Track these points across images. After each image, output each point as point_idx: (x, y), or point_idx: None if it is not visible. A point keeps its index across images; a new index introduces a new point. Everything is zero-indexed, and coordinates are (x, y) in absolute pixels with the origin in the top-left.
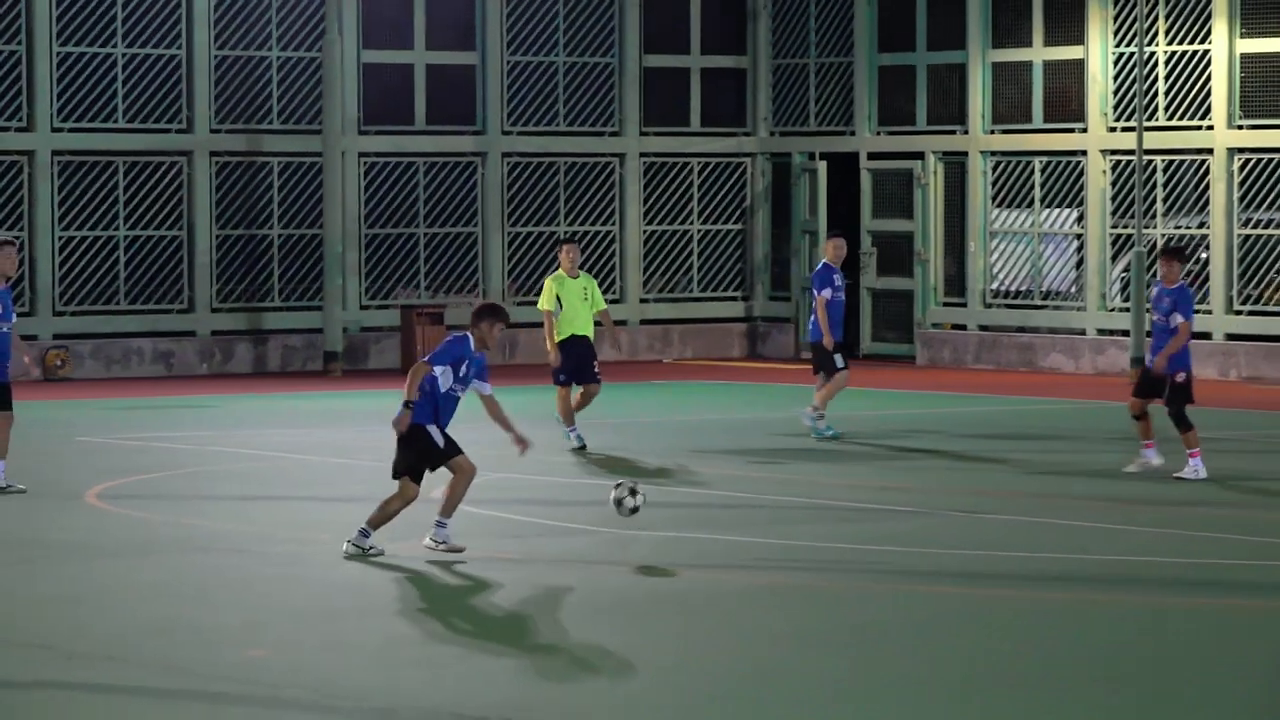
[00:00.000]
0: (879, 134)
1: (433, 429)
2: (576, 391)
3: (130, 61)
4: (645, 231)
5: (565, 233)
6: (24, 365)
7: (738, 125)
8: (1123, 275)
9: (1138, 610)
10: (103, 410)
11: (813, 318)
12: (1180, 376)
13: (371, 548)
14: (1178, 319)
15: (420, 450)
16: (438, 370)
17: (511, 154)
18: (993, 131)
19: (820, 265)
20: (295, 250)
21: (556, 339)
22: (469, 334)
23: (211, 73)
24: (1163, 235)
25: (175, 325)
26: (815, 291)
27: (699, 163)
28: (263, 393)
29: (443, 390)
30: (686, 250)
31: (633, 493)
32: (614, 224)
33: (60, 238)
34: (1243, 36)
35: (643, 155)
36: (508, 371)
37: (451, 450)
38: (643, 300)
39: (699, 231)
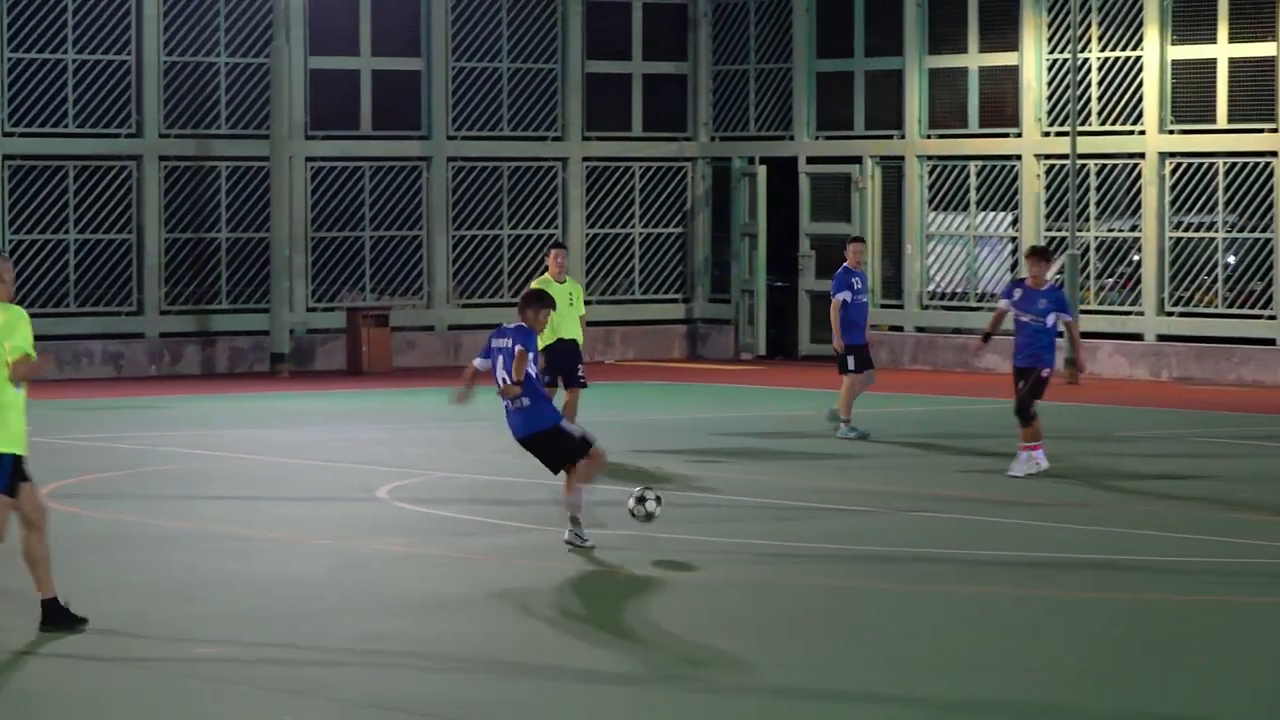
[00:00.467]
0: (817, 139)
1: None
2: (562, 395)
3: (80, 67)
4: (587, 235)
5: (511, 236)
6: None
7: (679, 130)
8: (1056, 278)
9: (1071, 602)
10: (54, 411)
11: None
12: (1045, 372)
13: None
14: (1063, 318)
15: (566, 445)
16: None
17: (456, 159)
18: (929, 136)
19: (840, 269)
20: (243, 253)
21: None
22: (522, 323)
23: (160, 78)
24: (1095, 238)
25: (125, 327)
26: (832, 294)
27: (640, 167)
28: (211, 394)
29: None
30: (628, 253)
31: (643, 500)
32: (556, 227)
33: (11, 241)
34: (1174, 43)
35: (585, 160)
36: (459, 374)
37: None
38: (585, 302)
39: (640, 235)
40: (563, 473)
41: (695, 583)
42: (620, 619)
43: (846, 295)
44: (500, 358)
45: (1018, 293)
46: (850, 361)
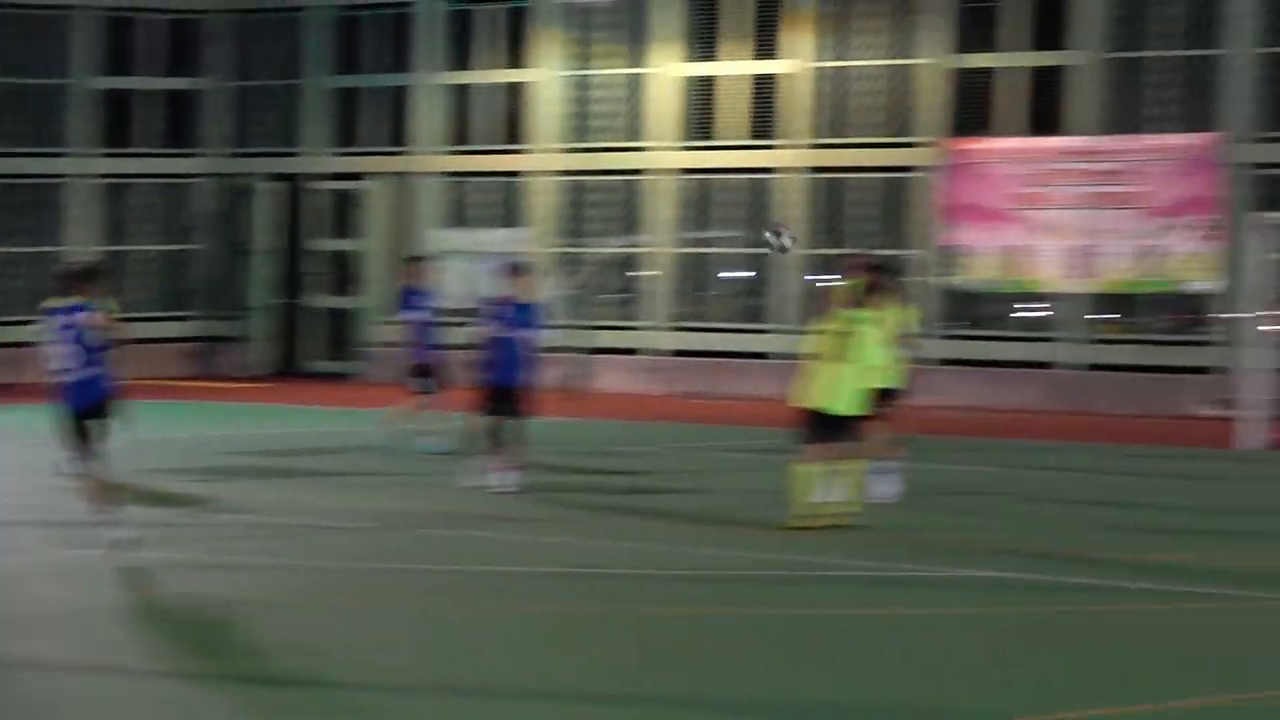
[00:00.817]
0: (327, 155)
1: None
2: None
3: None
4: (99, 251)
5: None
6: None
7: (190, 147)
8: (567, 293)
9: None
10: None
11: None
12: (523, 388)
13: None
14: (535, 334)
15: None
16: None
17: None
18: (439, 153)
19: (403, 288)
20: None
21: None
22: None
23: None
24: (604, 254)
25: None
26: (399, 313)
27: (150, 184)
28: None
29: None
30: (139, 270)
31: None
32: (64, 245)
33: None
34: (683, 60)
35: (100, 176)
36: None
37: None
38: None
39: (150, 252)
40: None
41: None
42: (130, 638)
43: (410, 314)
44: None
45: (495, 306)
46: (418, 379)
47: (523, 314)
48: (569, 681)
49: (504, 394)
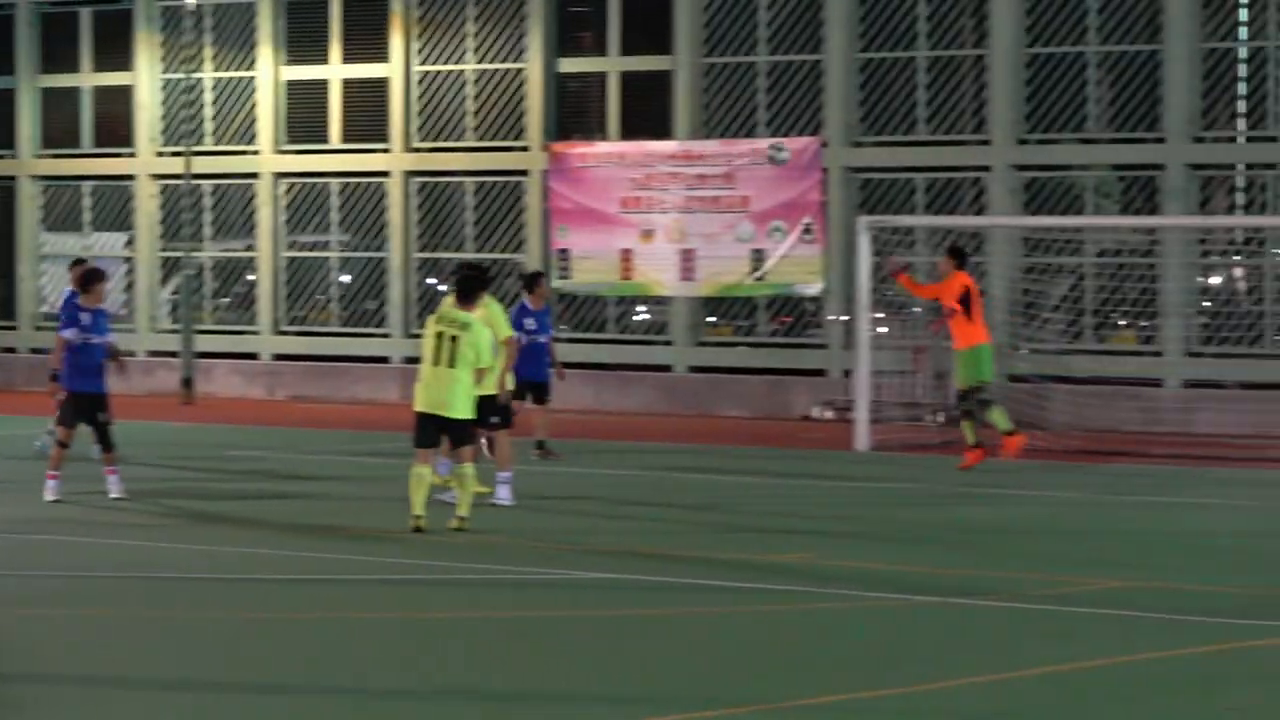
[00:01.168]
0: None
1: None
2: None
3: None
4: None
5: None
6: None
7: None
8: (172, 297)
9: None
10: None
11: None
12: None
13: None
14: (108, 339)
15: None
16: None
17: None
18: (41, 156)
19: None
20: None
21: None
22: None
23: None
24: (211, 258)
25: None
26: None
27: None
28: None
29: None
30: None
31: None
32: None
33: None
34: (287, 64)
35: None
36: None
37: None
38: None
39: None
40: None
41: None
42: None
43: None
44: None
45: (73, 315)
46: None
47: (99, 320)
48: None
49: (86, 400)
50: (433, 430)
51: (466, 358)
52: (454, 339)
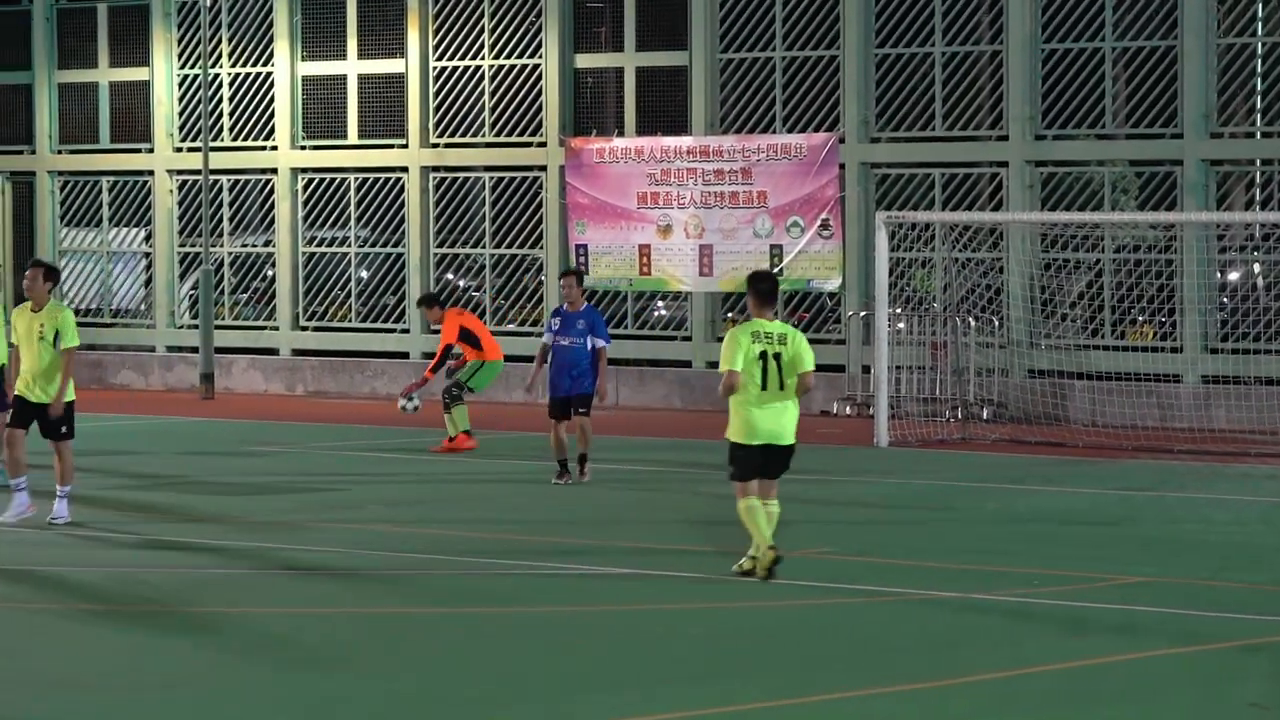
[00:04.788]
0: None
1: None
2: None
3: None
4: None
5: None
6: None
7: None
8: (191, 293)
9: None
10: None
11: None
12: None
13: None
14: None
15: None
16: None
17: None
18: (60, 152)
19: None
20: None
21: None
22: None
23: None
24: (230, 253)
25: None
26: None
27: None
28: None
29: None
30: None
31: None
32: None
33: None
34: (304, 59)
35: None
36: None
37: None
38: None
39: None
40: None
41: None
42: None
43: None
44: None
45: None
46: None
47: None
48: None
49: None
50: (760, 462)
51: (791, 376)
52: (777, 356)
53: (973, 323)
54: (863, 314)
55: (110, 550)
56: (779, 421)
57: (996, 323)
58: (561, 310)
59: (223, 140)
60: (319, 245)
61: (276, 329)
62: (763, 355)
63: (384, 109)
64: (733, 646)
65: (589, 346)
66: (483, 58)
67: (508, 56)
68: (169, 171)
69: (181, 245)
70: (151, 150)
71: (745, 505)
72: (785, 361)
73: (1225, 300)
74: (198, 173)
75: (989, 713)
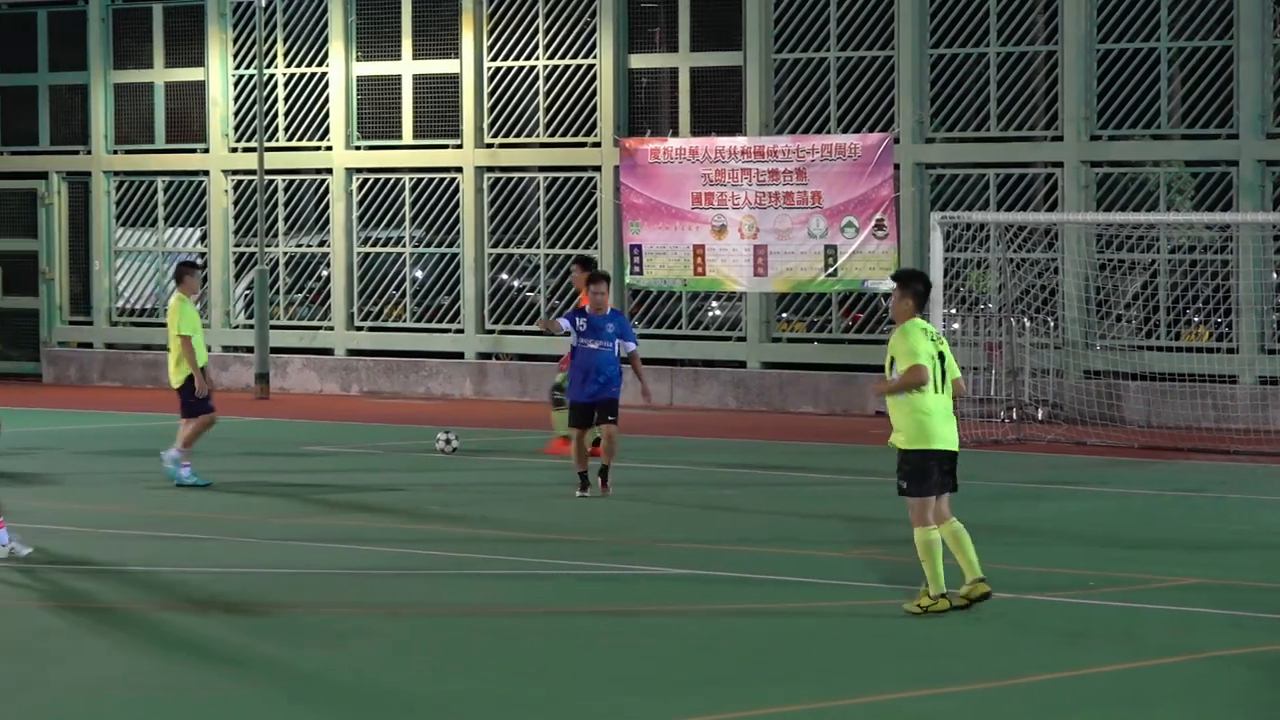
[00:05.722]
0: (1, 154)
1: None
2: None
3: None
4: None
5: None
6: None
7: None
8: (246, 293)
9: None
10: None
11: None
12: None
13: None
14: None
15: None
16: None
17: None
18: (115, 152)
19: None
20: None
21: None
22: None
23: None
24: (285, 253)
25: None
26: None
27: None
28: None
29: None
30: None
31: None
32: None
33: None
34: (359, 60)
35: None
36: None
37: None
38: None
39: None
40: None
41: None
42: None
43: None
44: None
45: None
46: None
47: None
48: None
49: None
50: (939, 472)
51: (948, 380)
52: (941, 357)
53: (1027, 323)
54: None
55: (158, 548)
56: (952, 426)
57: (1051, 323)
58: (586, 312)
59: (278, 140)
60: (374, 245)
61: (331, 329)
62: (938, 356)
63: (439, 109)
64: (788, 647)
65: (617, 351)
66: (537, 58)
67: (562, 57)
68: (224, 172)
69: (237, 245)
70: (207, 150)
71: (926, 540)
72: (946, 363)
73: None
74: (253, 173)
75: (1046, 714)
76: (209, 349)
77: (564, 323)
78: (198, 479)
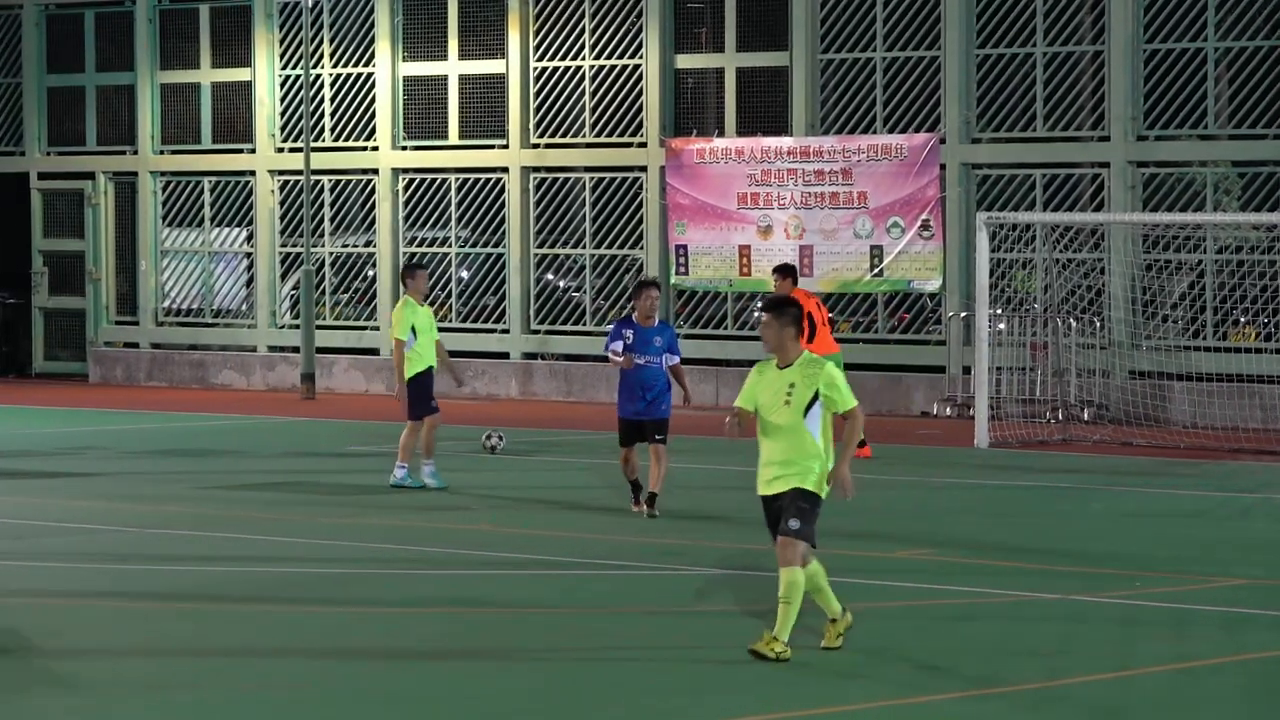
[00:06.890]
0: (49, 154)
1: None
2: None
3: None
4: None
5: None
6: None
7: None
8: (292, 293)
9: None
10: None
11: None
12: None
13: None
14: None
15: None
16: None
17: None
18: (162, 152)
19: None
20: None
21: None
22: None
23: None
24: (330, 253)
25: None
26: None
27: None
28: None
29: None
30: None
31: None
32: None
33: None
34: (405, 60)
35: None
36: None
37: None
38: None
39: None
40: None
41: None
42: None
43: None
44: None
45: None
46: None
47: None
48: None
49: None
50: None
51: None
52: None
53: (1073, 323)
54: (963, 315)
55: (208, 548)
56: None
57: (1097, 324)
58: (633, 322)
59: (324, 141)
60: (419, 245)
61: (377, 329)
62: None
63: (485, 109)
64: (841, 647)
65: (664, 364)
66: (583, 58)
67: (608, 57)
68: (270, 172)
69: (283, 245)
70: (253, 151)
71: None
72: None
73: None
74: (299, 173)
75: (1095, 715)
76: (254, 349)
77: (619, 345)
78: (438, 480)
